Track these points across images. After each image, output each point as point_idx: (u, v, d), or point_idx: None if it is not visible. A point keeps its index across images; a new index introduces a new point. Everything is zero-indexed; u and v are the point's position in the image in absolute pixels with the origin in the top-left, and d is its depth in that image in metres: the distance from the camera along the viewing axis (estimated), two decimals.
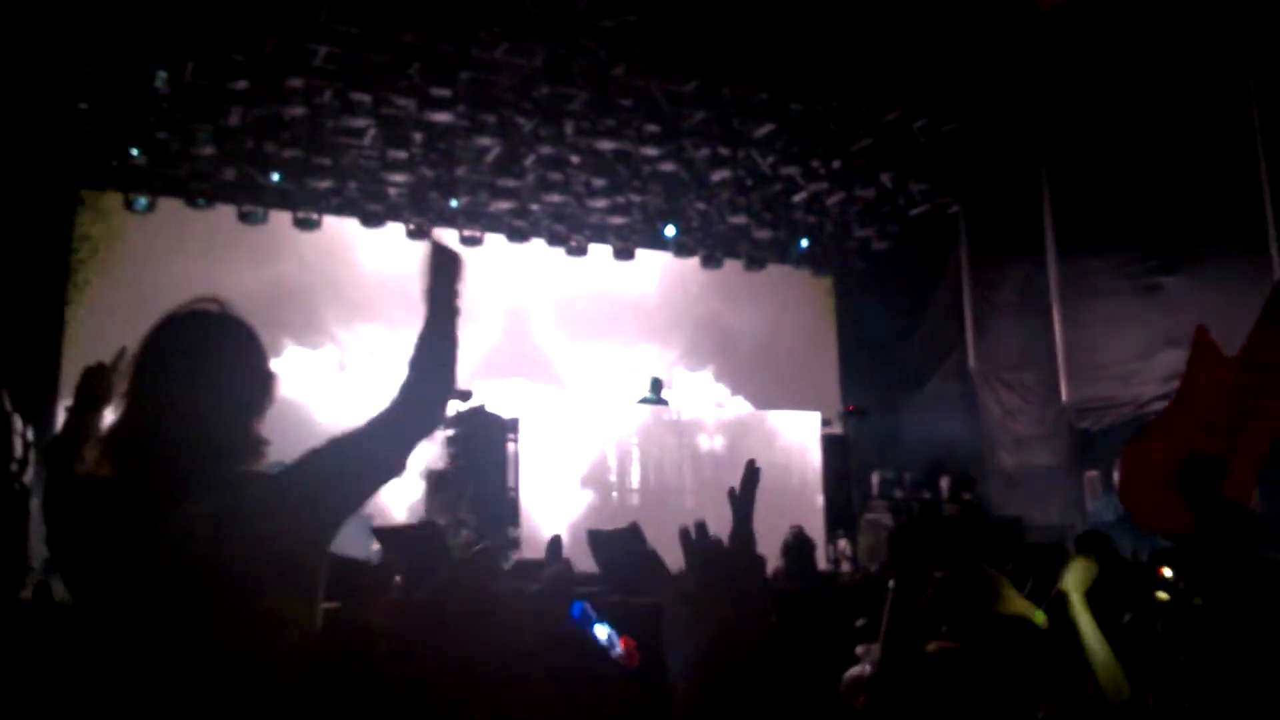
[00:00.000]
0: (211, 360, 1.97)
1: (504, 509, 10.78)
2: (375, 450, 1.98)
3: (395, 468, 2.01)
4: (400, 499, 11.60)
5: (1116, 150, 11.65)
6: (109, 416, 2.00)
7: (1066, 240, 12.63)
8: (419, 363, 2.07)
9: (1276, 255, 10.12)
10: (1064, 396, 12.56)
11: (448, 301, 2.17)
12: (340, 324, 13.32)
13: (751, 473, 1.49)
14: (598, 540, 8.17)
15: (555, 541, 9.26)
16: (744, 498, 1.41)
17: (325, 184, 12.59)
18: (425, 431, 2.05)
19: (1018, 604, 2.83)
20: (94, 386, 2.27)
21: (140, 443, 1.91)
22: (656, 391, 12.76)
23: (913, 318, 15.28)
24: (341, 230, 13.44)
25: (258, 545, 1.79)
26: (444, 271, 2.21)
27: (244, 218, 12.68)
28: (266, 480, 1.93)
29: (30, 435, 8.15)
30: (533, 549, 9.88)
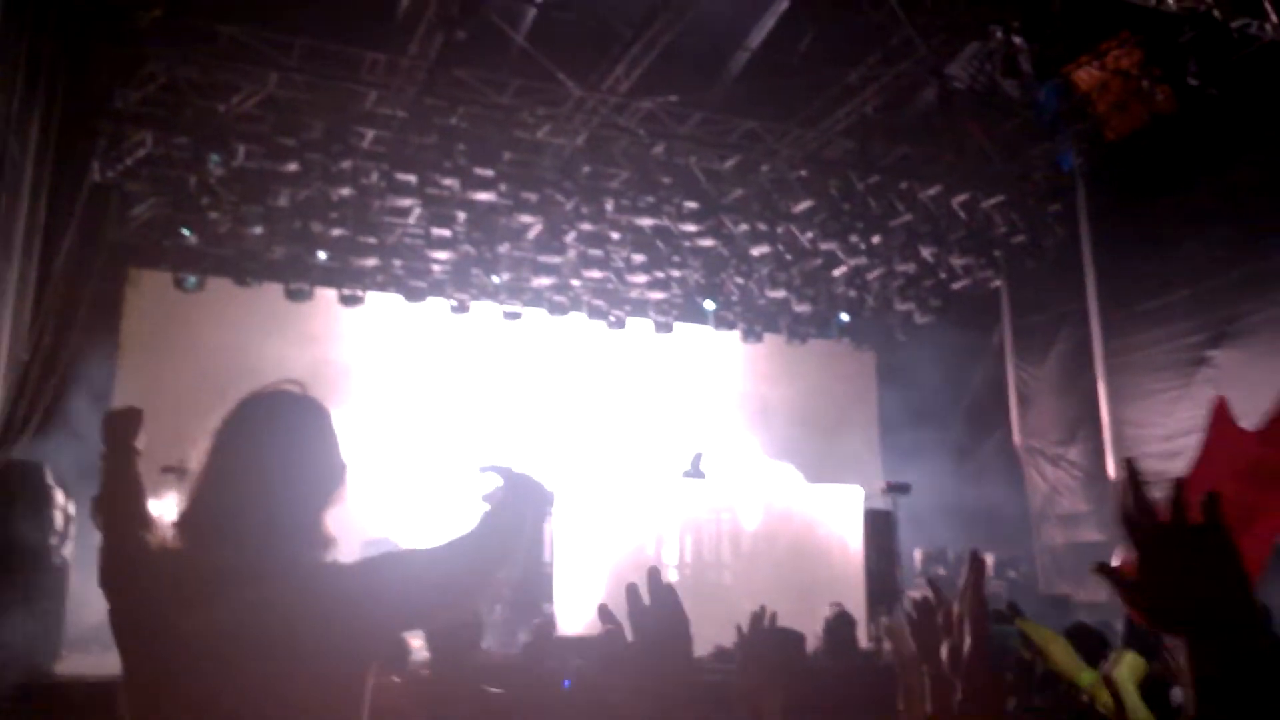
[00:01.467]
0: (292, 442, 1.96)
1: (539, 584, 10.70)
2: (445, 570, 2.00)
3: (462, 596, 2.06)
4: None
5: (1161, 222, 11.60)
6: (183, 491, 1.98)
7: (1110, 314, 12.52)
8: (491, 522, 2.11)
9: None
10: (1110, 472, 12.36)
11: (518, 513, 2.19)
12: (380, 398, 13.43)
13: (977, 563, 1.37)
14: (634, 595, 8.07)
15: (604, 609, 9.02)
16: (973, 592, 1.32)
17: (370, 261, 12.81)
18: (492, 569, 2.08)
19: (1067, 662, 2.79)
20: (125, 432, 2.26)
21: (216, 521, 1.89)
22: (696, 466, 12.69)
23: (956, 392, 15.16)
24: (386, 306, 13.62)
25: (321, 637, 1.79)
26: (525, 497, 2.21)
27: (291, 295, 12.90)
28: (337, 570, 1.92)
29: (72, 510, 8.25)
30: (567, 625, 9.78)
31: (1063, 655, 2.81)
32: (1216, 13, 9.18)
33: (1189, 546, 1.11)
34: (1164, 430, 11.62)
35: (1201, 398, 11.11)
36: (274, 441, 1.95)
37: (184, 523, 1.93)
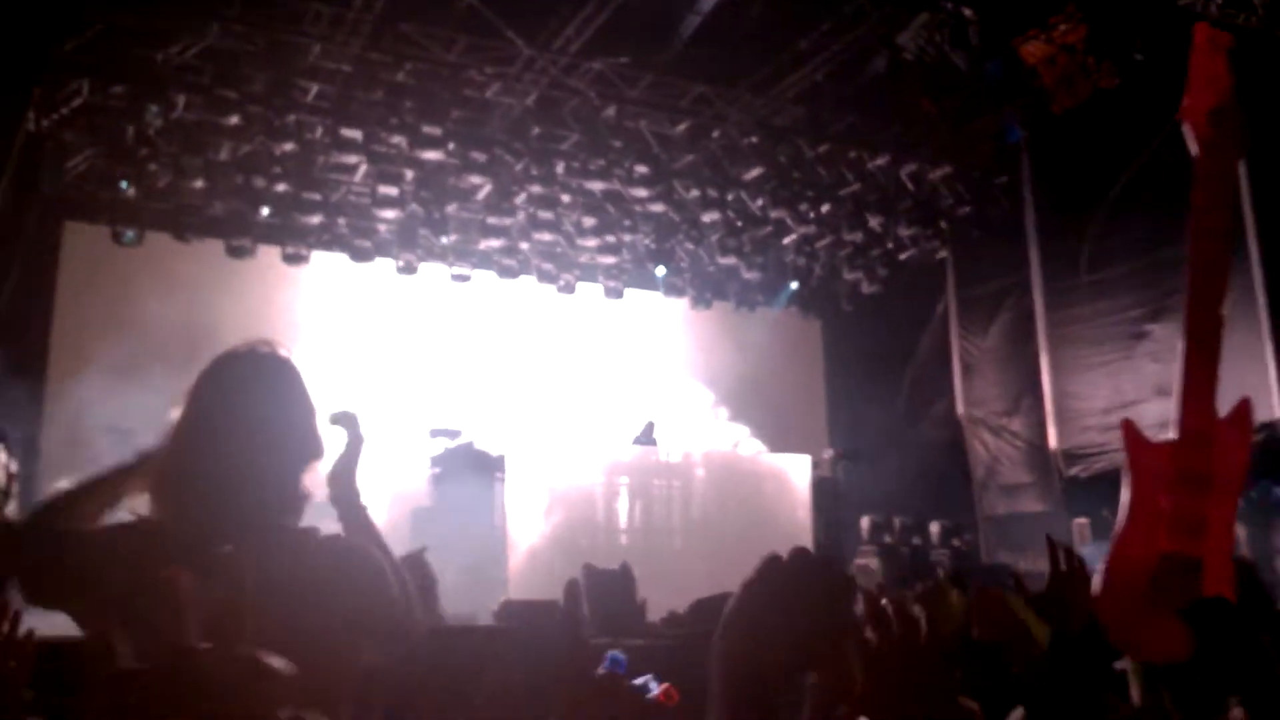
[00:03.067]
0: (271, 402, 1.91)
1: (491, 547, 10.69)
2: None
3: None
4: (387, 536, 11.48)
5: (1104, 196, 11.74)
6: (157, 449, 1.90)
7: (1053, 286, 12.69)
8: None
9: (1263, 302, 10.18)
10: (1052, 443, 12.56)
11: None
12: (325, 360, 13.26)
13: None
14: (591, 577, 8.10)
15: (572, 585, 8.92)
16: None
17: (315, 219, 12.58)
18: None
19: (1025, 614, 2.82)
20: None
21: (186, 481, 1.84)
22: (649, 434, 12.72)
23: (901, 362, 15.30)
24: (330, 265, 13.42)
25: (293, 598, 1.73)
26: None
27: (232, 252, 12.65)
28: (309, 538, 1.87)
29: (14, 467, 8.07)
30: (519, 589, 9.77)
31: (1034, 622, 2.84)
32: None
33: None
34: (1105, 402, 11.83)
35: (1142, 370, 11.33)
36: (252, 402, 1.89)
37: (160, 489, 1.86)
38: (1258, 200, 10.18)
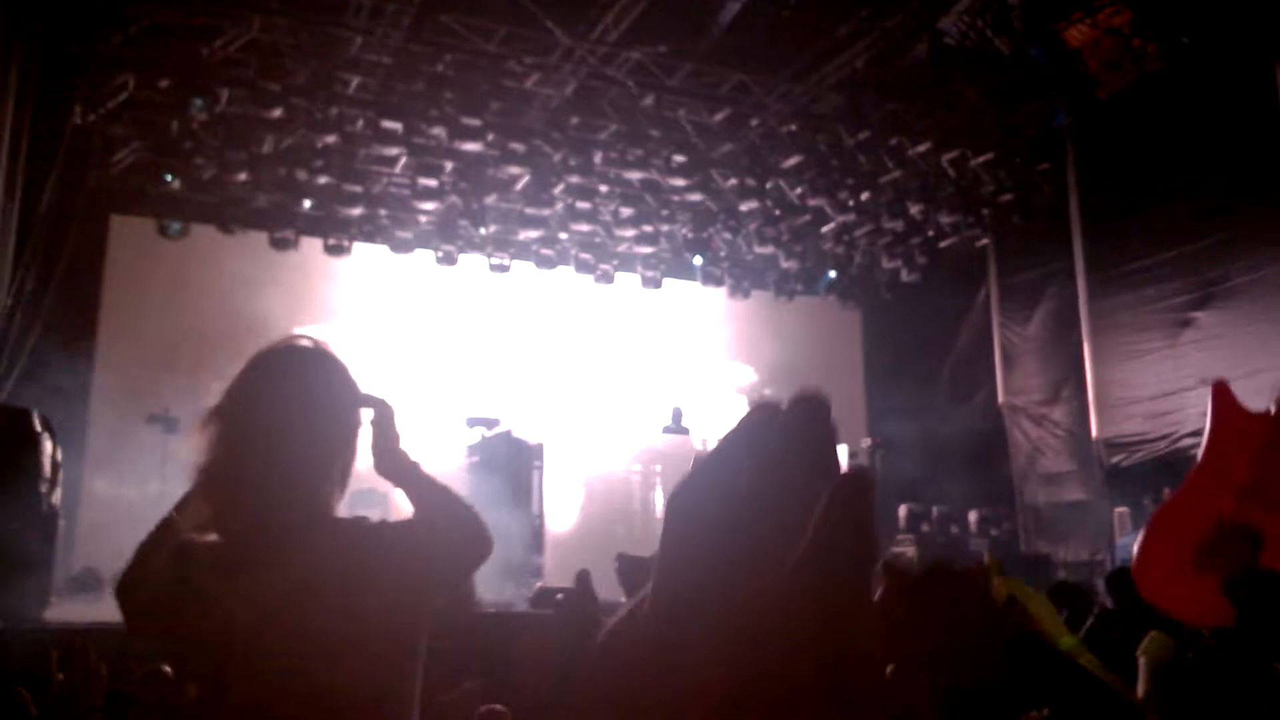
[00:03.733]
0: (312, 398, 1.89)
1: (528, 536, 10.75)
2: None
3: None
4: None
5: (1149, 184, 11.59)
6: (200, 456, 1.87)
7: (1097, 275, 12.54)
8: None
9: None
10: (1094, 432, 12.43)
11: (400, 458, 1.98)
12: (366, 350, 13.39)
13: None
14: (625, 565, 8.13)
15: (584, 575, 9.08)
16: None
17: (356, 211, 12.70)
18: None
19: (1050, 623, 2.80)
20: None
21: (233, 482, 1.82)
22: (677, 422, 12.73)
23: (941, 351, 15.20)
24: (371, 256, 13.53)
25: (371, 595, 1.75)
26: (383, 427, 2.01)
27: (275, 244, 12.80)
28: (372, 527, 1.87)
29: (59, 455, 8.22)
30: (557, 577, 9.83)
31: (1046, 615, 2.83)
32: None
33: None
34: (1149, 391, 11.68)
35: (1187, 358, 11.18)
36: (293, 397, 1.88)
37: (205, 485, 1.85)
38: None
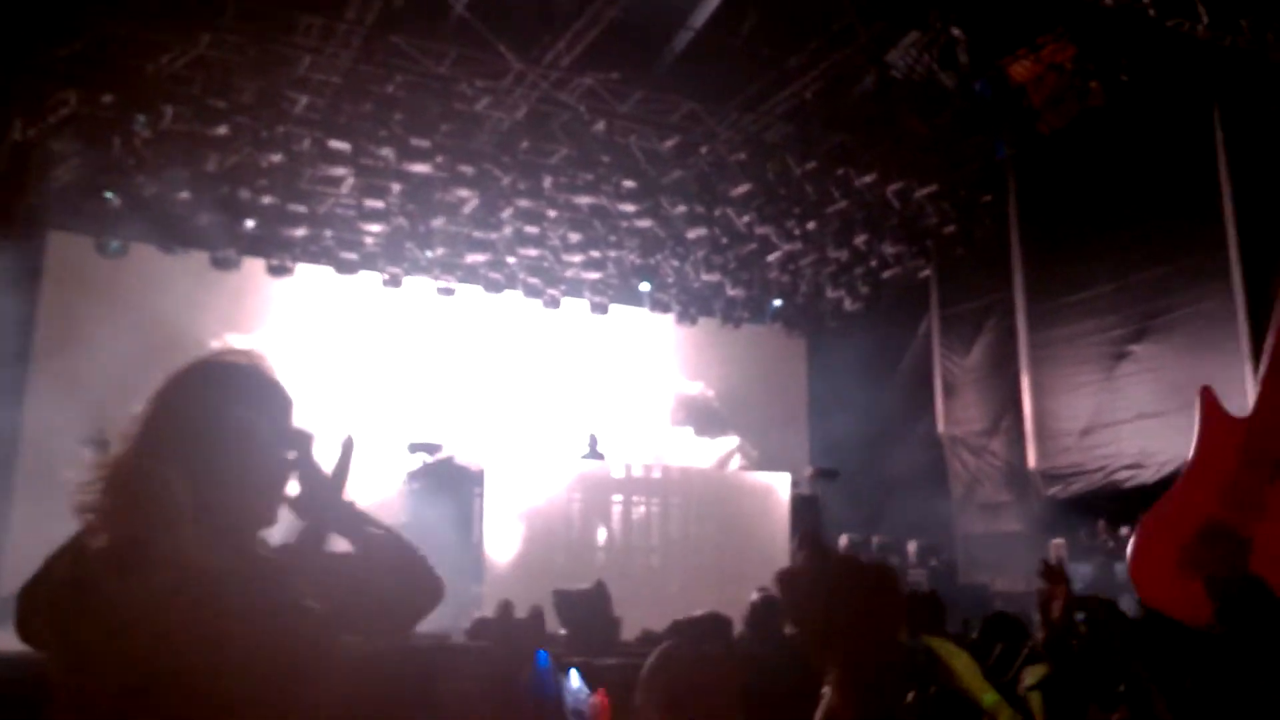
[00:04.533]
0: (236, 422, 1.75)
1: (468, 564, 10.62)
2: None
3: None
4: None
5: (1089, 217, 11.83)
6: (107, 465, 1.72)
7: (1036, 307, 12.76)
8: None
9: (1244, 323, 10.24)
10: (1031, 463, 12.60)
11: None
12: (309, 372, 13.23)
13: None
14: (563, 600, 8.06)
15: (506, 606, 8.84)
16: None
17: (300, 231, 12.55)
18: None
19: (971, 681, 2.79)
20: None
21: (146, 491, 1.66)
22: (594, 449, 12.75)
23: (885, 380, 15.34)
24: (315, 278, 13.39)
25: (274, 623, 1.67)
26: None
27: (217, 264, 12.61)
28: (287, 564, 1.76)
29: None
30: (494, 608, 9.72)
31: (967, 673, 2.82)
32: (1151, 11, 9.35)
33: None
34: (1085, 423, 11.88)
35: (1123, 391, 11.39)
36: (214, 418, 1.74)
37: (109, 505, 1.68)
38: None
